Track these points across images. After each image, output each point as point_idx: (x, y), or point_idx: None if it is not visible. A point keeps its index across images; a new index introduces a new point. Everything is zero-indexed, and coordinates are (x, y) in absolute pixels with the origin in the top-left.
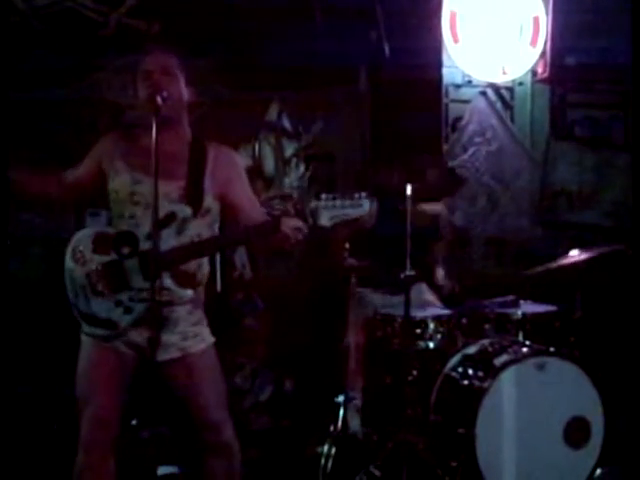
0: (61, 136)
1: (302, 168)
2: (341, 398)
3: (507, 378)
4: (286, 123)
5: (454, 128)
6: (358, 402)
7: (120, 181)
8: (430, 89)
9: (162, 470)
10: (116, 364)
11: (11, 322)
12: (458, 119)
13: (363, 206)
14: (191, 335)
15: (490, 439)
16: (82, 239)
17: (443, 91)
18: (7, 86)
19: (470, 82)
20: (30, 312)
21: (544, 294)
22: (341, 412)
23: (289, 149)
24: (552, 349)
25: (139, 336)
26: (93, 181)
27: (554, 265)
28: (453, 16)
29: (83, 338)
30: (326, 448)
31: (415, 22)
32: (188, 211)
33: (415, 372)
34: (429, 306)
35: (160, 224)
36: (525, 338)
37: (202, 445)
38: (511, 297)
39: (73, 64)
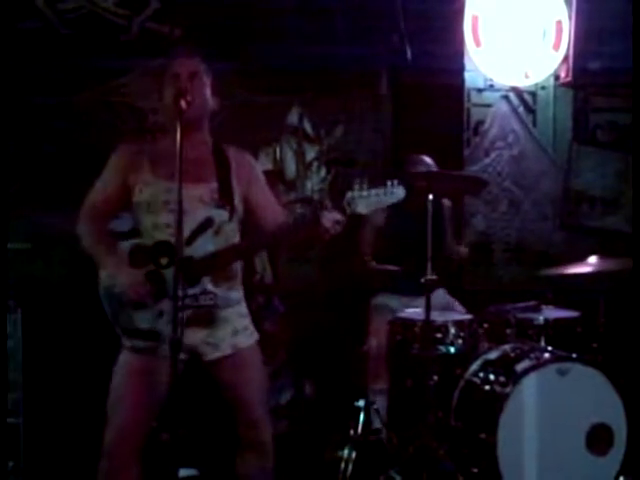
0: (84, 140)
1: (323, 172)
2: (361, 402)
3: (529, 384)
4: (307, 127)
5: (476, 132)
6: (378, 406)
7: (151, 192)
8: (452, 93)
9: (182, 472)
10: (150, 372)
11: (35, 324)
12: (480, 123)
13: (396, 194)
14: (241, 329)
15: (511, 445)
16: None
17: (465, 95)
18: (30, 91)
19: (492, 86)
20: (54, 314)
21: (567, 300)
22: (361, 416)
23: (310, 153)
24: (574, 355)
25: (192, 336)
26: (120, 198)
27: (572, 270)
28: (475, 20)
29: (122, 353)
30: (346, 452)
31: (437, 26)
32: (225, 215)
33: (436, 377)
34: (449, 310)
35: (198, 229)
36: (547, 344)
37: (241, 442)
38: (533, 302)
39: (96, 68)
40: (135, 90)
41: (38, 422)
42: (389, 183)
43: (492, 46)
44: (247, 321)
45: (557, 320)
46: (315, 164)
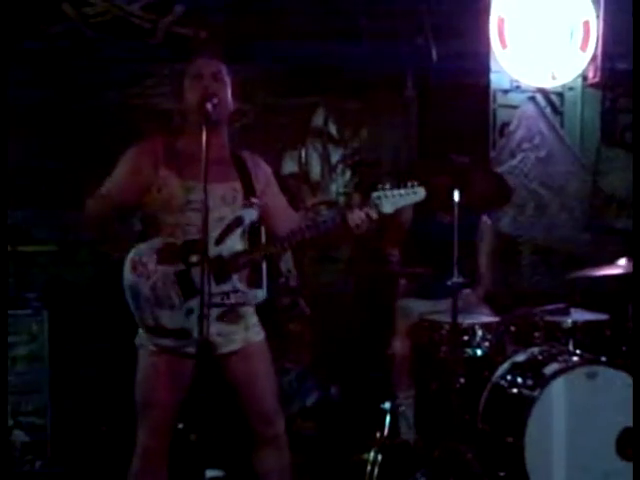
0: (110, 143)
1: (348, 174)
2: (387, 405)
3: (557, 387)
4: (332, 129)
5: (502, 134)
6: (404, 409)
7: (171, 191)
8: (478, 94)
9: (208, 473)
10: (178, 371)
11: (62, 326)
12: (506, 125)
13: (418, 193)
14: (252, 325)
15: (539, 449)
16: (144, 251)
17: (491, 96)
18: (56, 94)
19: (518, 87)
20: (80, 315)
21: (595, 302)
22: (387, 419)
23: (335, 155)
24: (603, 358)
25: (212, 327)
26: (133, 194)
27: (601, 272)
28: (501, 21)
29: (144, 353)
30: (372, 455)
31: (463, 27)
32: (254, 215)
33: (462, 379)
34: (476, 313)
35: (228, 228)
36: (575, 347)
37: (255, 438)
38: (561, 305)
39: (122, 72)
40: (160, 93)
41: (65, 422)
42: (409, 184)
43: (518, 47)
44: (256, 318)
45: (586, 323)
46: (340, 166)
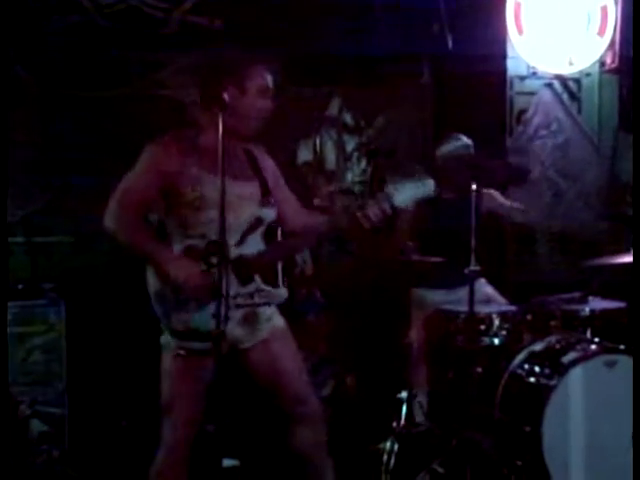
0: (124, 134)
1: (363, 163)
2: (404, 394)
3: (575, 376)
4: (347, 118)
5: (519, 121)
6: (421, 399)
7: (206, 188)
8: (494, 81)
9: (225, 463)
10: (202, 369)
11: (78, 316)
12: (523, 112)
13: (428, 185)
14: (272, 313)
15: (557, 438)
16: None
17: (507, 83)
18: (70, 85)
19: (535, 74)
20: (97, 306)
21: (613, 290)
22: (404, 408)
23: (350, 144)
24: (622, 346)
25: (236, 329)
26: (158, 191)
27: (618, 260)
28: (517, 7)
29: (169, 355)
30: (389, 444)
31: (479, 13)
32: (272, 214)
33: (480, 369)
34: (491, 302)
35: (249, 229)
36: (593, 335)
37: (290, 418)
38: (578, 293)
39: (136, 62)
40: (175, 83)
41: (83, 413)
42: (418, 177)
43: (535, 33)
44: (274, 307)
45: (603, 311)
46: (355, 155)
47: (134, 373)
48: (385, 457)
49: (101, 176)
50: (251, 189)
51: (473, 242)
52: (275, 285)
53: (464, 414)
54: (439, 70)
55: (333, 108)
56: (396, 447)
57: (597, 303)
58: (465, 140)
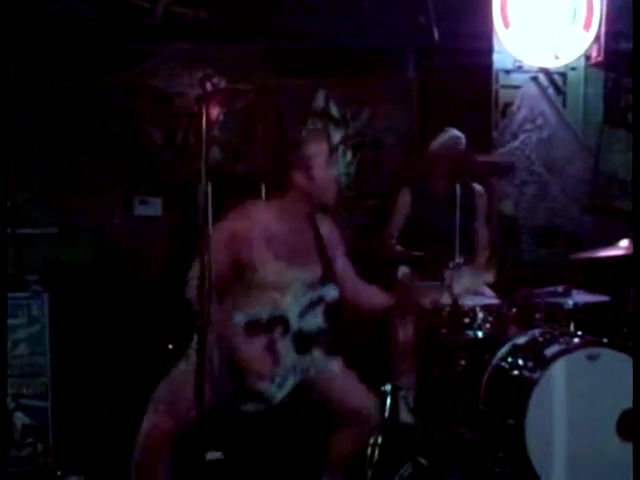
0: (109, 125)
1: (349, 156)
2: (388, 387)
3: (558, 369)
4: (333, 110)
5: (504, 114)
6: (405, 392)
7: (269, 270)
8: (480, 74)
9: (208, 456)
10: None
11: (62, 308)
12: (508, 105)
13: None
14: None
15: (540, 431)
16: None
17: (493, 77)
18: (54, 76)
19: (521, 67)
20: (80, 298)
21: (597, 284)
22: (388, 401)
23: (336, 136)
24: (605, 340)
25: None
26: (230, 273)
27: (602, 254)
28: (504, 0)
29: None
30: (372, 437)
31: (465, 6)
32: (334, 292)
33: (463, 362)
34: (478, 295)
35: (309, 307)
36: (576, 328)
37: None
38: (562, 287)
39: (121, 52)
40: (160, 74)
41: (66, 406)
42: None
43: (521, 27)
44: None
45: (587, 305)
46: (341, 148)
47: (117, 363)
48: (369, 450)
49: (85, 168)
50: (314, 273)
51: (457, 235)
52: (329, 358)
53: (448, 407)
54: (425, 63)
55: (319, 100)
56: (380, 440)
57: (581, 296)
58: (454, 132)
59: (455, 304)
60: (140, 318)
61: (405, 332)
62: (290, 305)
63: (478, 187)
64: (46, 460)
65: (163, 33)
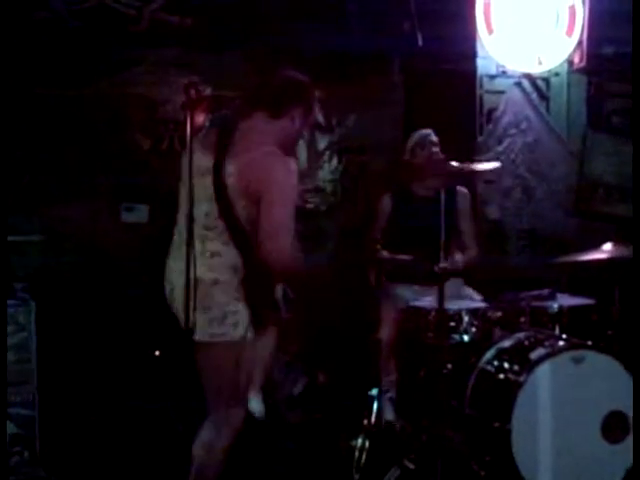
0: (95, 132)
1: (335, 161)
2: (374, 391)
3: (543, 372)
4: (319, 116)
5: (488, 119)
6: (392, 395)
7: None
8: (464, 80)
9: None
10: None
11: (49, 316)
12: (492, 110)
13: None
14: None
15: (526, 433)
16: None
17: (477, 82)
18: (40, 83)
19: (505, 73)
20: (67, 306)
21: (581, 287)
22: (375, 405)
23: (322, 142)
24: (589, 343)
25: None
26: None
27: (587, 257)
28: (487, 6)
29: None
30: (360, 441)
31: (449, 12)
32: None
33: (449, 365)
34: (465, 299)
35: None
36: (562, 332)
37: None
38: (547, 290)
39: (106, 60)
40: (146, 81)
41: (53, 414)
42: None
43: (504, 32)
44: None
45: (572, 308)
46: (327, 153)
47: (104, 371)
48: (356, 454)
49: (72, 175)
50: None
51: (443, 239)
52: None
53: (434, 410)
54: (410, 68)
55: None
56: (367, 444)
57: (565, 300)
58: (423, 131)
59: (441, 308)
60: (127, 325)
61: (387, 331)
62: None
63: (461, 188)
64: (33, 469)
65: (149, 40)
